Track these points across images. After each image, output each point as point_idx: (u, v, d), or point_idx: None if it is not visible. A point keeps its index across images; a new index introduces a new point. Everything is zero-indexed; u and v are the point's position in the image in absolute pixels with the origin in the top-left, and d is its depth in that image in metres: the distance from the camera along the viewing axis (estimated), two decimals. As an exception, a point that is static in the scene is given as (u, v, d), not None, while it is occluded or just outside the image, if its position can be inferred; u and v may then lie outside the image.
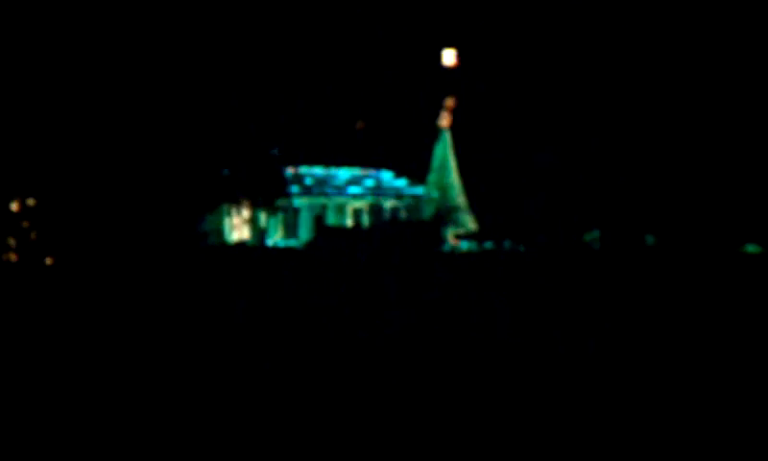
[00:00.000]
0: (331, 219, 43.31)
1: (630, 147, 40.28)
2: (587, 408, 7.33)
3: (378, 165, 46.11)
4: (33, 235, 31.60)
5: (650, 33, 38.92)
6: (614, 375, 8.87)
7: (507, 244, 40.96)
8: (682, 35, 38.64)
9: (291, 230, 42.75)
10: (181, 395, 7.77)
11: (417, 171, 45.58)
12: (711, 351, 10.42)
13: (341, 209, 44.03)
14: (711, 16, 38.03)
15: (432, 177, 46.09)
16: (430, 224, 42.13)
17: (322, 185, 44.03)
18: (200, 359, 9.60)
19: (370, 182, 45.34)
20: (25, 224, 31.67)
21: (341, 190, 44.39)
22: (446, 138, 46.06)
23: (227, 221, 41.49)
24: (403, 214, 44.79)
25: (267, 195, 40.40)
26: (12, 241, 31.68)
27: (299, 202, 42.92)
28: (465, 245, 41.87)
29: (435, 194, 45.70)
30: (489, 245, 41.45)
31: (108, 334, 11.56)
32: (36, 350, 10.34)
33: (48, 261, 30.30)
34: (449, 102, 45.22)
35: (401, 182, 45.95)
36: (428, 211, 44.89)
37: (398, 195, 45.29)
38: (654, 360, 9.72)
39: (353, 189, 44.68)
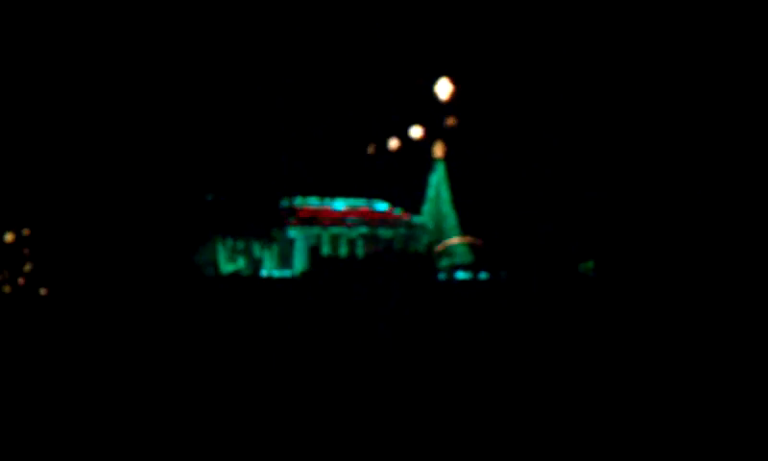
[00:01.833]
0: (326, 249, 43.36)
1: (627, 177, 40.42)
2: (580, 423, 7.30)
3: (373, 196, 46.23)
4: (27, 266, 31.55)
5: (633, 71, 39.24)
6: (609, 391, 8.85)
7: (502, 275, 40.97)
8: (654, 73, 38.94)
9: (286, 260, 42.75)
10: (184, 408, 7.74)
11: (412, 201, 45.72)
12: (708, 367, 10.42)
13: (336, 240, 44.07)
14: (681, 55, 38.27)
15: (427, 207, 46.19)
16: (425, 254, 42.20)
17: (316, 216, 44.06)
18: (199, 381, 9.57)
19: (365, 213, 45.41)
20: (19, 254, 31.63)
21: (336, 221, 44.43)
22: (441, 169, 46.20)
23: (221, 252, 41.48)
24: (398, 244, 44.84)
25: (261, 226, 40.43)
26: (6, 272, 31.61)
27: (293, 232, 42.95)
28: (460, 275, 41.89)
29: (430, 224, 45.80)
30: (483, 275, 41.48)
31: (104, 365, 11.52)
32: (32, 378, 10.30)
33: (42, 292, 30.23)
34: (444, 130, 45.42)
35: (396, 213, 46.03)
36: (423, 242, 44.97)
37: (393, 225, 45.35)
38: (653, 381, 9.70)
39: (348, 220, 44.73)
